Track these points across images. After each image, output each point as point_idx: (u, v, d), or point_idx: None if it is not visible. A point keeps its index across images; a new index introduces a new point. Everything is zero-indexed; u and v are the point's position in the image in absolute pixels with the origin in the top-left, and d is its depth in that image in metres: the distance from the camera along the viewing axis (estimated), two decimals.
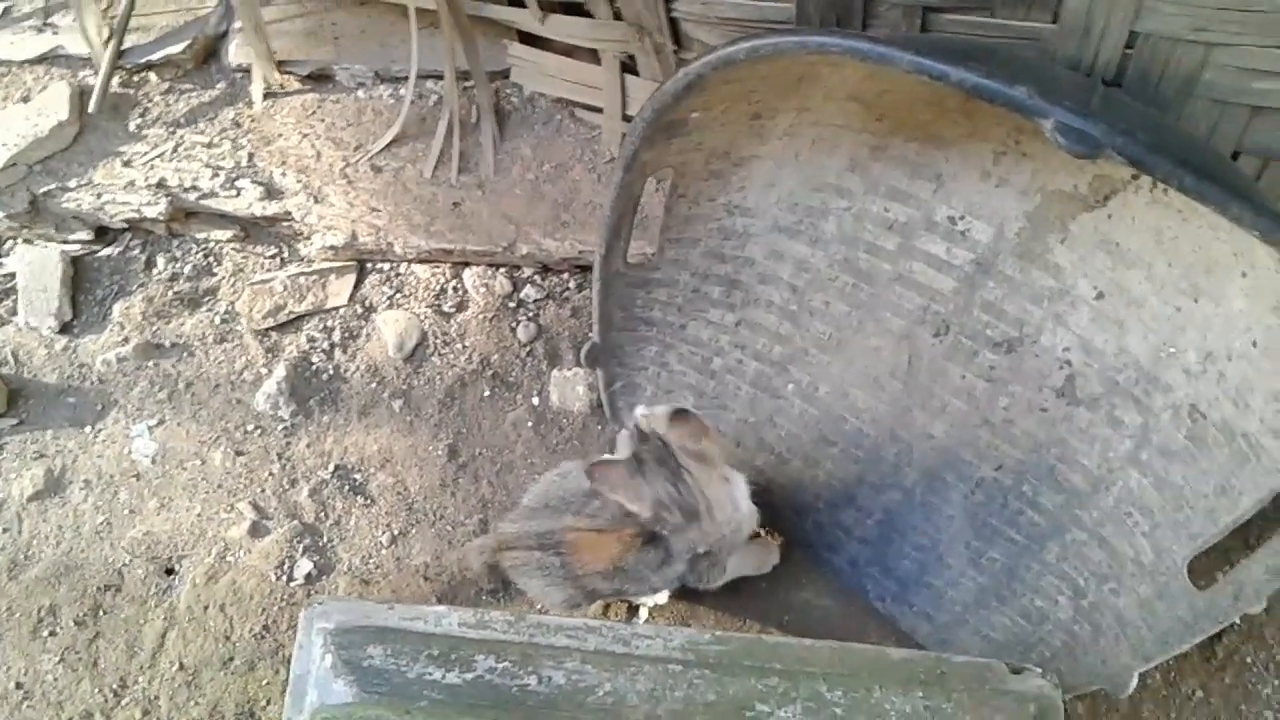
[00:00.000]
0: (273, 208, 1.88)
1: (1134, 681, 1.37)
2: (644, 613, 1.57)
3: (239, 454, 1.78)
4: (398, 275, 1.92)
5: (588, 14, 1.57)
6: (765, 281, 1.53)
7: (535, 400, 1.82)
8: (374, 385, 1.83)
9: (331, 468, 1.75)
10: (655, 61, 1.56)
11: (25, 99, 1.99)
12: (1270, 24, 1.13)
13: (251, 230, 1.95)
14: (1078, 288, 1.35)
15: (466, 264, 1.90)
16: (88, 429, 1.83)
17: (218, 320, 1.91)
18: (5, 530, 1.73)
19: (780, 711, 0.96)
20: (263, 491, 1.74)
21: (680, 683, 1.04)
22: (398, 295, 1.90)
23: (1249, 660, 1.51)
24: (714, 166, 1.42)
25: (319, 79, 2.03)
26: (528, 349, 1.86)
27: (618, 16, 1.52)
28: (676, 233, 1.49)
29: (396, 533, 1.69)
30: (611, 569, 1.37)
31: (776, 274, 1.52)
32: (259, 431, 1.80)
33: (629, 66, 1.64)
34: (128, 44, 1.97)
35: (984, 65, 1.03)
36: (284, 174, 1.90)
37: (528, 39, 1.74)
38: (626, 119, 1.74)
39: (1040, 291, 1.38)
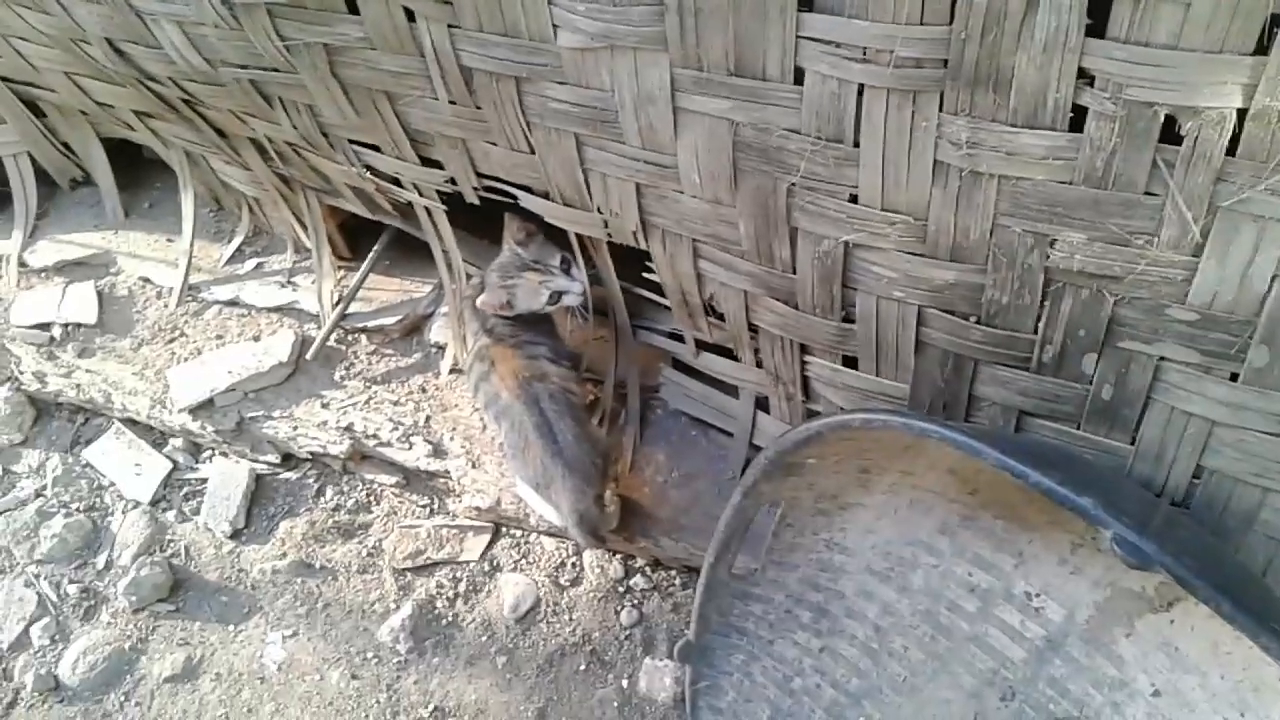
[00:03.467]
0: (435, 465, 2.16)
1: None
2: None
3: (354, 678, 1.96)
4: (527, 543, 2.14)
5: (734, 357, 1.85)
6: (852, 616, 1.68)
7: (625, 683, 1.96)
8: (484, 639, 2.02)
9: (431, 708, 1.92)
10: (785, 406, 1.82)
11: (256, 338, 2.38)
12: None
13: (412, 480, 2.23)
14: (1137, 682, 1.47)
15: None
16: (231, 627, 2.06)
17: (365, 553, 2.16)
18: (138, 704, 1.94)
19: None
20: (366, 717, 1.90)
21: None
22: (523, 561, 2.12)
23: None
24: (821, 506, 1.63)
25: None
26: (628, 633, 2.03)
27: (759, 364, 1.79)
28: (779, 556, 1.68)
29: None
30: None
31: (863, 611, 1.67)
32: (376, 660, 1.99)
33: (762, 404, 1.90)
34: (351, 310, 2.36)
35: (1062, 470, 1.23)
36: (452, 438, 2.19)
37: (680, 366, 2.03)
38: (753, 447, 1.98)
39: (1102, 678, 1.49)
